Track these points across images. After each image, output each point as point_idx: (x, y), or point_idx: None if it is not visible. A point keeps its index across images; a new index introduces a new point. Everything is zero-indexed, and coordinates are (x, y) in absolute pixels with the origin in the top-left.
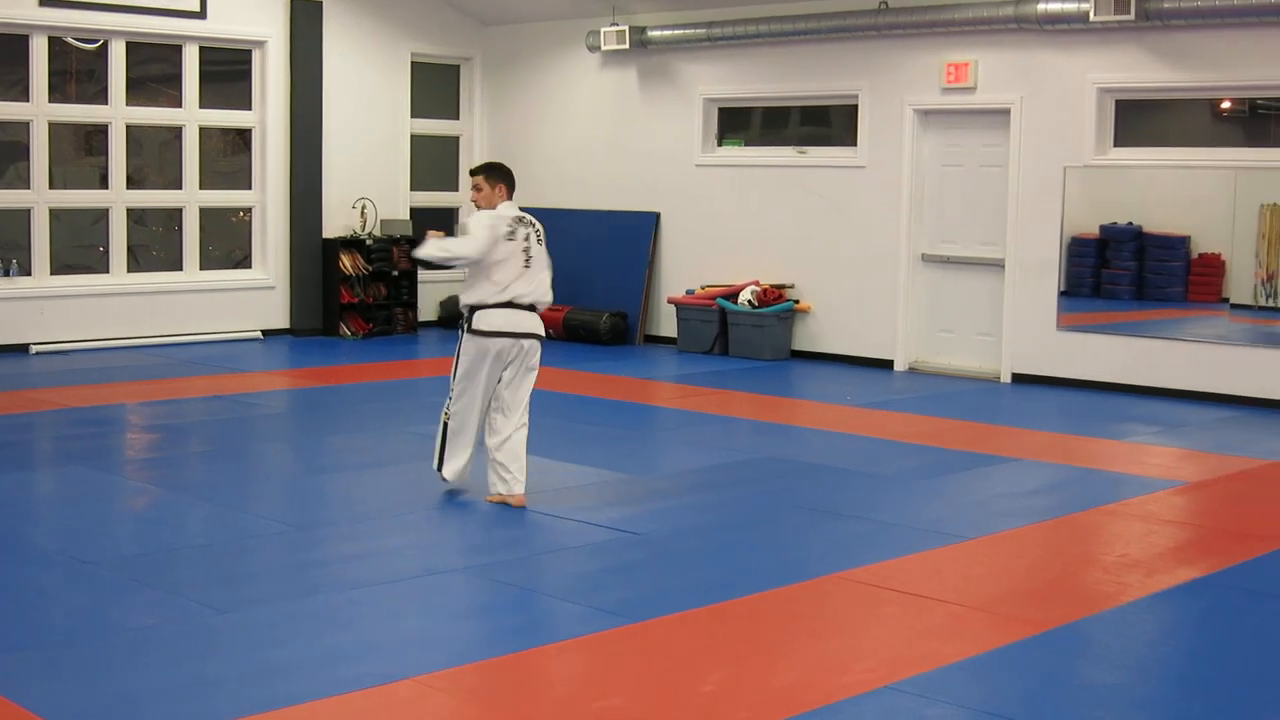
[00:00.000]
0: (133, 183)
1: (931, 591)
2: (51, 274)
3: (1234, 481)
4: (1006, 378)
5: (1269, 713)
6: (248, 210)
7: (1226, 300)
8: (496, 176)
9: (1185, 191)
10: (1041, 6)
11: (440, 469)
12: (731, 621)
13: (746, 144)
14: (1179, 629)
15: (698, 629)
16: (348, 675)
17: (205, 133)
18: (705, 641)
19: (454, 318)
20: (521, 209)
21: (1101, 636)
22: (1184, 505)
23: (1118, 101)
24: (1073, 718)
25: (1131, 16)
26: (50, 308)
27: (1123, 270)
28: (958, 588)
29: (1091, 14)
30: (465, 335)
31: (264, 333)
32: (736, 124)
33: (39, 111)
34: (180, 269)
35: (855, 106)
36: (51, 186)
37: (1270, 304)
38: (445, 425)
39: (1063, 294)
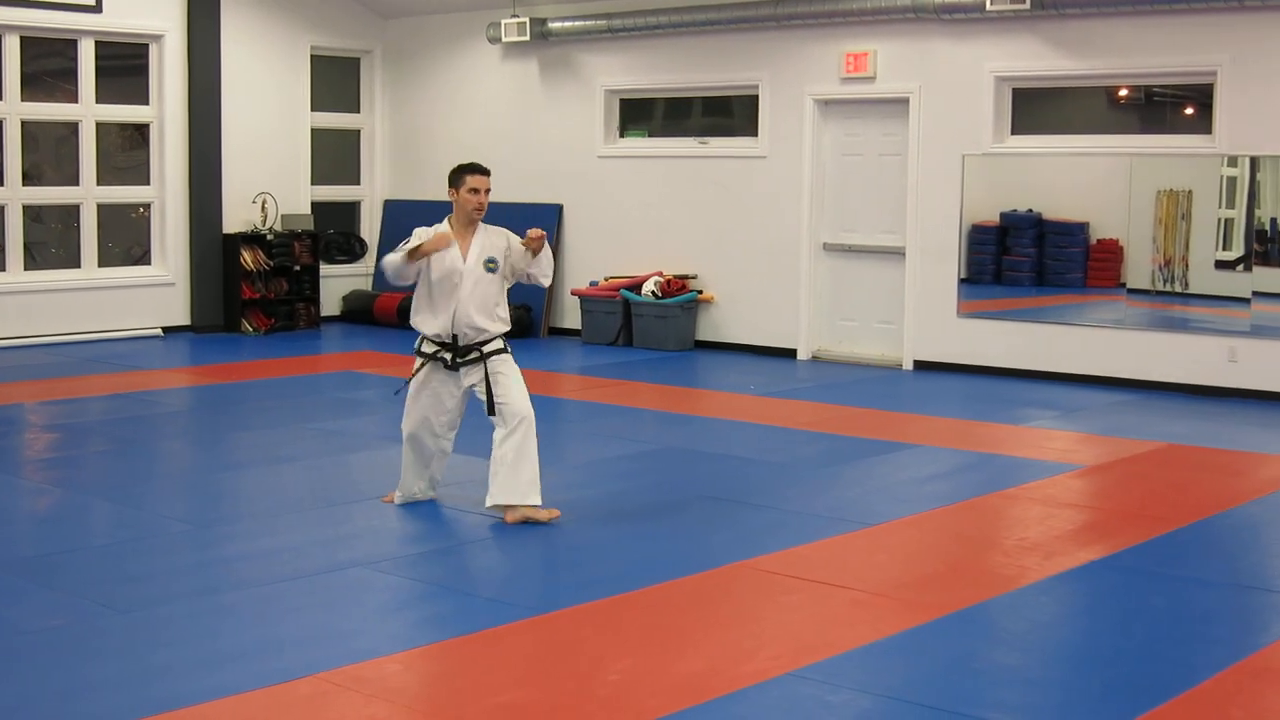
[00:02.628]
0: (29, 179)
1: (834, 578)
2: None
3: (1130, 464)
4: (908, 365)
5: (1163, 690)
6: (147, 206)
7: (1124, 285)
8: None
9: (1084, 178)
10: None
11: None
12: (637, 611)
13: (650, 135)
14: (1076, 610)
15: (603, 620)
16: (249, 673)
17: (103, 128)
18: (610, 632)
19: (357, 312)
20: (420, 202)
21: (1001, 619)
22: (1082, 488)
23: (1015, 90)
24: (973, 700)
25: (1027, 6)
26: None
27: (1023, 257)
28: (860, 574)
29: (988, 3)
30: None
31: (164, 330)
32: (639, 115)
33: None
34: (79, 266)
35: (756, 97)
36: None
37: (1168, 289)
38: None
39: (964, 281)
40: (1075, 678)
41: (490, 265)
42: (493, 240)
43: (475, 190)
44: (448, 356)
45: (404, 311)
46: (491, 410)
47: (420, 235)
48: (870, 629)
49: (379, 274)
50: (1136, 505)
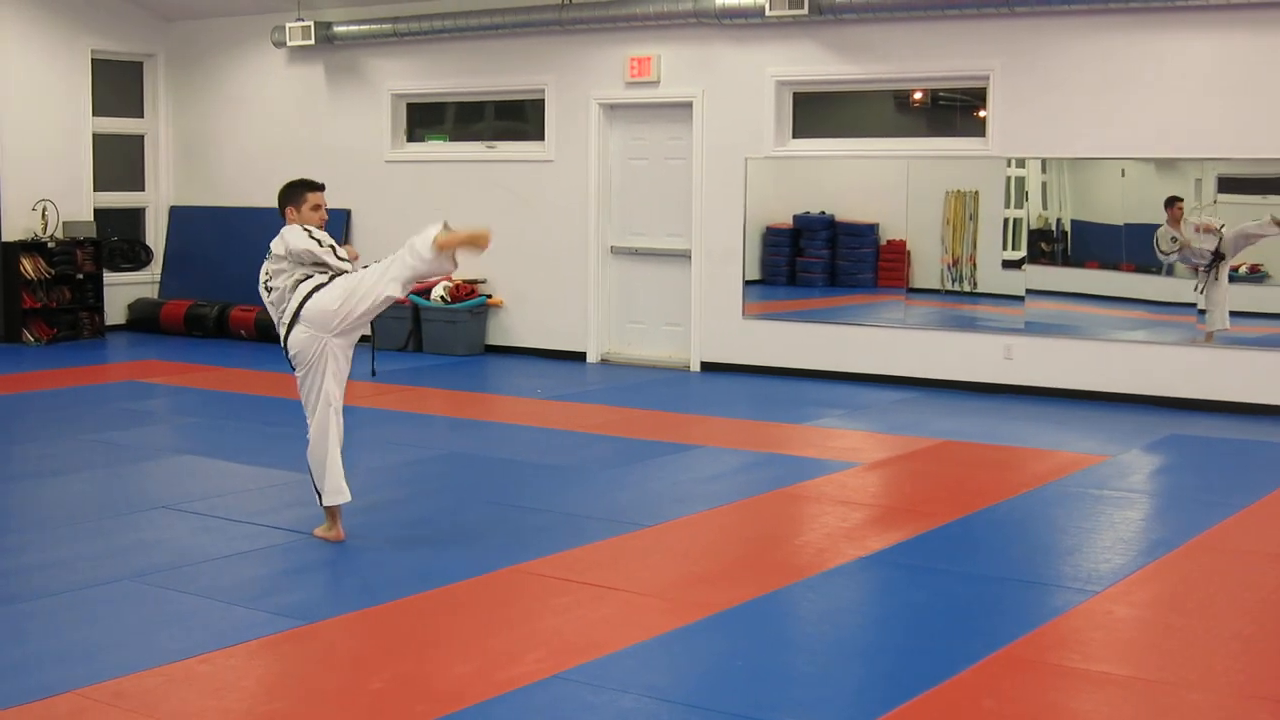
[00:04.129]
0: None
1: (606, 580)
2: None
3: (907, 461)
4: (696, 366)
5: (919, 683)
6: None
7: (913, 286)
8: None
9: (874, 181)
10: (719, 1)
11: None
12: (407, 618)
13: (449, 139)
14: (841, 606)
15: (372, 627)
16: (5, 691)
17: None
18: (379, 639)
19: (143, 320)
20: (207, 208)
21: (768, 617)
22: (859, 486)
23: (796, 94)
24: (737, 697)
25: (805, 11)
26: None
27: (816, 258)
28: (633, 575)
29: (767, 9)
30: None
31: None
32: (432, 119)
33: None
34: None
35: (543, 101)
36: None
37: (957, 288)
38: None
39: (759, 283)
40: (834, 673)
41: None
42: None
43: (318, 207)
44: None
45: (192, 320)
46: None
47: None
48: (639, 629)
49: (164, 280)
50: (909, 501)
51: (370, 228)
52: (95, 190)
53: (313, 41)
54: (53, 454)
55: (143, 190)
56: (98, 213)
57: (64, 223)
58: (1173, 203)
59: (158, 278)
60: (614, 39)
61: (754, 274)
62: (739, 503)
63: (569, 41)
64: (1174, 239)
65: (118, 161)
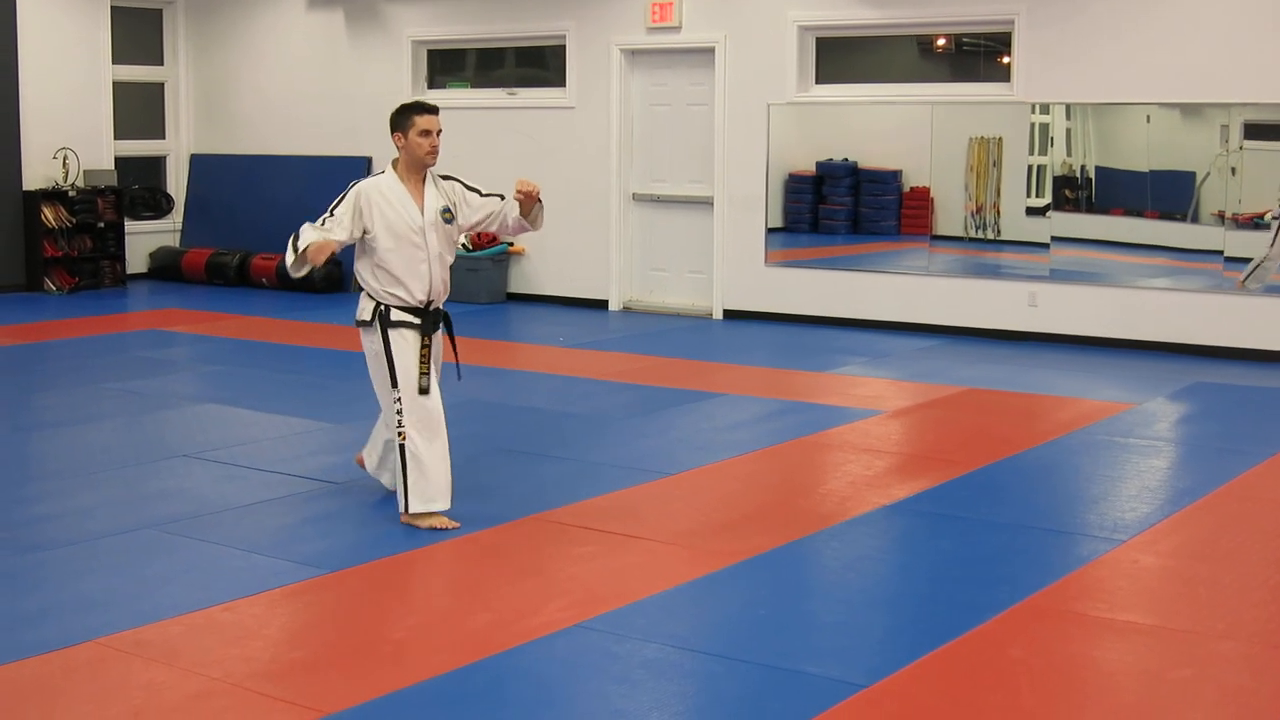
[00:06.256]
0: None
1: (628, 529)
2: None
3: (931, 409)
4: (718, 314)
5: (945, 632)
6: None
7: (937, 234)
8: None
9: (898, 127)
10: None
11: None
12: (428, 567)
13: (470, 86)
14: (865, 555)
15: (394, 576)
16: (25, 641)
17: None
18: (401, 588)
19: (165, 269)
20: (229, 156)
21: (792, 565)
22: (882, 434)
23: (820, 39)
24: (761, 646)
25: None
26: None
27: (839, 206)
28: (655, 523)
29: None
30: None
31: None
32: (453, 66)
33: None
34: None
35: (564, 47)
36: None
37: (981, 235)
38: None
39: (782, 230)
40: (858, 622)
41: (447, 216)
42: (444, 188)
43: (427, 132)
44: (425, 325)
45: (214, 268)
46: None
47: (306, 236)
48: (662, 578)
49: (186, 229)
50: (933, 449)
51: None
52: (116, 138)
53: None
54: (73, 403)
55: (163, 138)
56: (118, 161)
57: (85, 171)
58: None
59: (179, 226)
60: None
61: (776, 221)
62: (762, 451)
63: None
64: None
65: (138, 109)
